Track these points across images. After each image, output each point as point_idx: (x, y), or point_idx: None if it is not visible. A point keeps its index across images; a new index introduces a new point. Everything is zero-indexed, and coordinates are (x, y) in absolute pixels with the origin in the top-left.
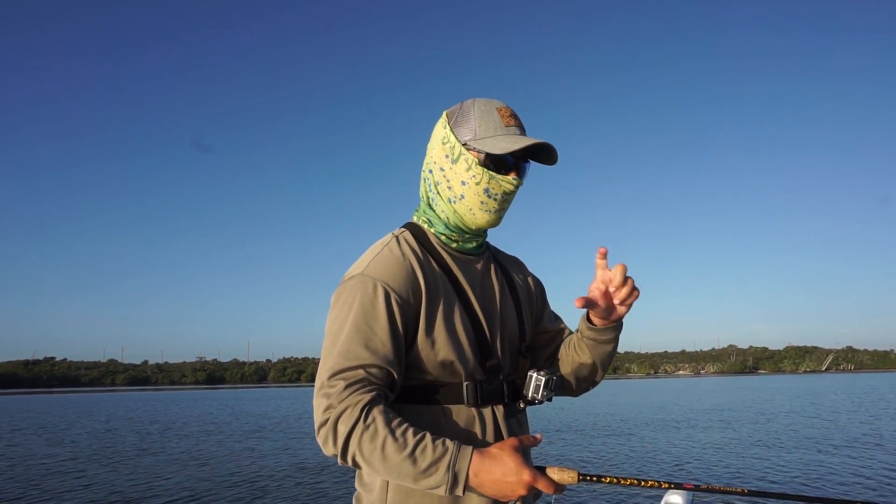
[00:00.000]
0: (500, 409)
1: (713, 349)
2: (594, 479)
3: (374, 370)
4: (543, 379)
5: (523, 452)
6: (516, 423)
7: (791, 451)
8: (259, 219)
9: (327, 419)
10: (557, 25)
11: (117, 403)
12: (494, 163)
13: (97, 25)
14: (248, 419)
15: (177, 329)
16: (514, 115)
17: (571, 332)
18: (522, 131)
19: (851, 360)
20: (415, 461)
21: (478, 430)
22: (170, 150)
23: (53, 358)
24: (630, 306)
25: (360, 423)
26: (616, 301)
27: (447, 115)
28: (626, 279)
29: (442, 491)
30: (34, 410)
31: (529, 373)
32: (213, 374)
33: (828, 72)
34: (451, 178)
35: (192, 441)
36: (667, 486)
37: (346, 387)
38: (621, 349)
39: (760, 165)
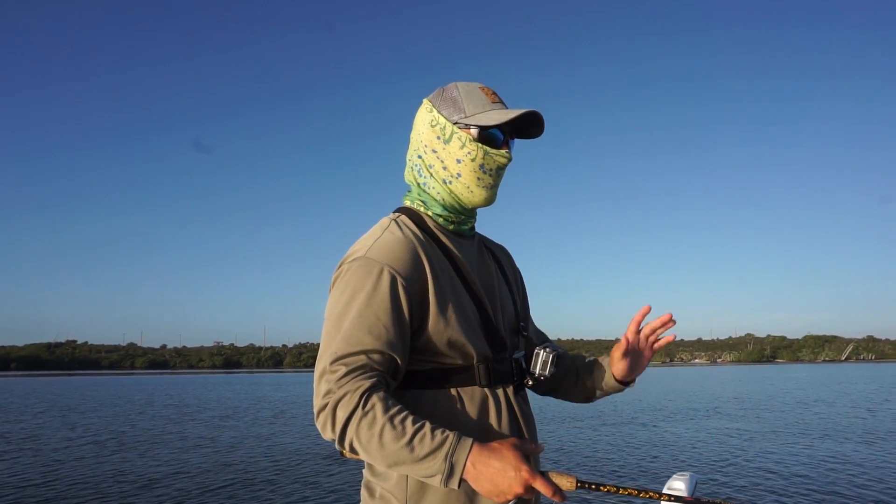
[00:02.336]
0: (510, 389)
1: (730, 338)
2: (592, 486)
3: (376, 356)
4: (551, 356)
5: (526, 456)
6: (522, 401)
7: (813, 440)
8: (275, 205)
9: (326, 404)
10: (556, 21)
11: (137, 387)
12: (486, 138)
13: (98, 23)
14: (266, 404)
15: (195, 314)
16: (496, 94)
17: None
18: (506, 107)
19: (872, 349)
20: (412, 449)
21: (493, 409)
22: (187, 135)
23: (75, 341)
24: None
25: (359, 410)
26: (651, 339)
27: (430, 101)
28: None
29: (437, 480)
30: (55, 392)
31: (536, 350)
32: (230, 359)
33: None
34: (446, 157)
35: (211, 426)
36: (666, 498)
37: (347, 372)
38: None
39: (780, 155)
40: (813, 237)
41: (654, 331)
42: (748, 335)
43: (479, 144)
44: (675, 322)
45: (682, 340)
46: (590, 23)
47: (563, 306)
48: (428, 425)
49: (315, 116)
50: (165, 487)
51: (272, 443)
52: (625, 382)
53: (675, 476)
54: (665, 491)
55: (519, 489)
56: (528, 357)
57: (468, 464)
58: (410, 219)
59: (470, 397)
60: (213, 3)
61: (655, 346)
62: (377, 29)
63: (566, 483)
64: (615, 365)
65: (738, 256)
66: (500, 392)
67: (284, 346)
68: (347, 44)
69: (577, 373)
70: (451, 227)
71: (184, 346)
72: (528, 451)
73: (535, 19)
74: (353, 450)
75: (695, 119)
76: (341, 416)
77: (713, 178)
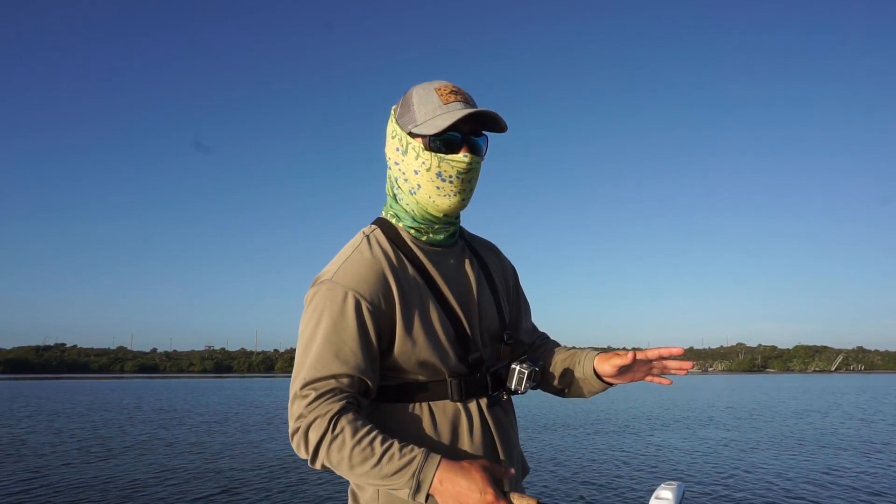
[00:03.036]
0: (483, 401)
1: (721, 347)
2: None
3: (344, 380)
4: (526, 371)
5: (494, 479)
6: (501, 412)
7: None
8: (267, 210)
9: (298, 427)
10: (557, 23)
11: (126, 391)
12: (442, 144)
13: (98, 22)
14: (257, 409)
15: (186, 318)
16: (455, 91)
17: (546, 337)
18: (467, 104)
19: (862, 360)
20: (381, 469)
21: (464, 422)
22: (179, 137)
23: (64, 344)
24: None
25: (329, 433)
26: (655, 368)
27: (393, 109)
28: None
29: (405, 495)
30: (41, 396)
31: (513, 365)
32: (220, 363)
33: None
34: (406, 169)
35: (201, 431)
36: None
37: (317, 397)
38: (629, 345)
39: (769, 164)
40: (805, 247)
41: (664, 365)
42: (739, 344)
43: (433, 153)
44: (685, 372)
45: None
46: (591, 25)
47: (551, 312)
48: (396, 444)
49: (311, 119)
50: (151, 495)
51: (262, 449)
52: (606, 384)
53: (662, 485)
54: (652, 499)
55: None
56: (507, 367)
57: (435, 481)
58: (385, 232)
59: (442, 411)
60: (213, 3)
61: (651, 375)
62: (377, 28)
63: None
64: (604, 365)
65: (730, 266)
66: (472, 406)
67: (276, 350)
68: (347, 43)
69: (554, 375)
70: (424, 237)
71: (174, 350)
72: (498, 475)
73: (537, 21)
74: (325, 468)
75: (685, 126)
76: (313, 439)
77: (706, 185)
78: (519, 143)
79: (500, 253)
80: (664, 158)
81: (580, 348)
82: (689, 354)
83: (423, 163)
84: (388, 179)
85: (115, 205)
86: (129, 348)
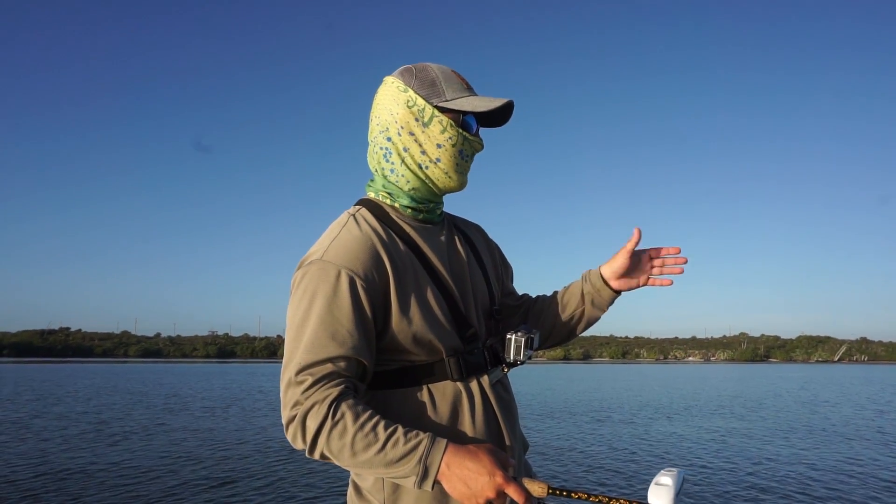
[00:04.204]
0: (485, 379)
1: (724, 336)
2: (563, 493)
3: (342, 363)
4: (523, 339)
5: (501, 462)
6: (502, 389)
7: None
8: (271, 195)
9: (295, 415)
10: (556, 18)
11: (129, 375)
12: (465, 124)
13: (98, 23)
14: (261, 395)
15: (190, 303)
16: (465, 80)
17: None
18: (475, 94)
19: (865, 351)
20: (385, 455)
21: (466, 404)
22: (183, 127)
23: (68, 328)
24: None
25: (329, 420)
26: (658, 267)
27: (402, 80)
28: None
29: (412, 483)
30: (44, 380)
31: (507, 335)
32: (224, 349)
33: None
34: (425, 141)
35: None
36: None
37: (314, 382)
38: (631, 334)
39: (776, 154)
40: (808, 237)
41: (661, 258)
42: (742, 334)
43: (460, 130)
44: (681, 270)
45: (676, 338)
46: (587, 17)
47: None
48: (401, 429)
49: (316, 109)
50: (154, 481)
51: (268, 435)
52: (616, 290)
53: (662, 472)
54: (653, 485)
55: (491, 493)
56: (504, 342)
57: (443, 465)
58: (372, 212)
59: (442, 394)
60: (213, 3)
61: (652, 277)
62: (377, 29)
63: (538, 489)
64: (608, 269)
65: (733, 255)
66: (473, 385)
67: (279, 336)
68: (347, 43)
69: (564, 308)
70: (421, 216)
71: (178, 335)
72: (503, 462)
73: (536, 16)
74: (323, 457)
75: (691, 116)
76: (311, 426)
77: (709, 175)
78: (520, 142)
79: (486, 233)
80: (667, 148)
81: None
82: (692, 343)
83: (450, 138)
84: (373, 155)
85: (120, 190)
86: (132, 333)
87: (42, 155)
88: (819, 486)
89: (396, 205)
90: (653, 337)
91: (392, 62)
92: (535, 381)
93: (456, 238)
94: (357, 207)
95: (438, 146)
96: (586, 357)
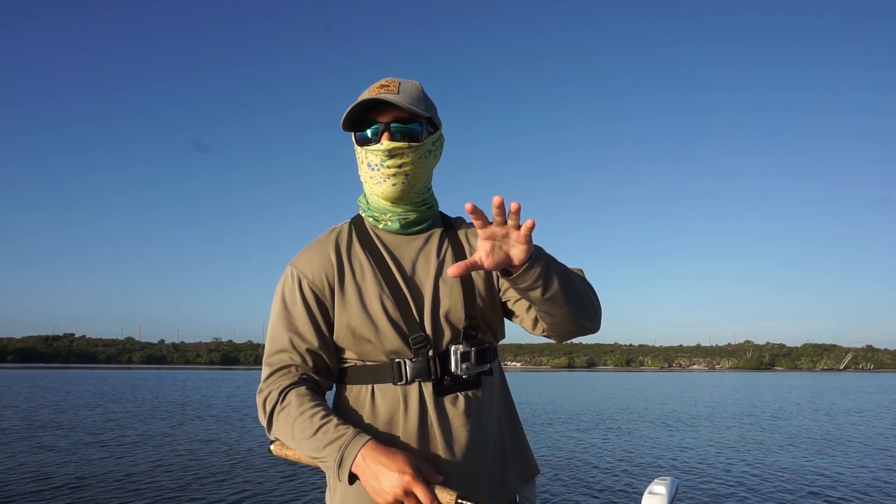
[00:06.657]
0: (427, 386)
1: (729, 344)
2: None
3: (295, 354)
4: (461, 351)
5: (419, 468)
6: (456, 402)
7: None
8: (275, 203)
9: (259, 400)
10: (558, 22)
11: (133, 381)
12: (359, 139)
13: (99, 23)
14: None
15: (194, 310)
16: (385, 85)
17: None
18: (394, 94)
19: (871, 359)
20: (315, 441)
21: (401, 406)
22: (185, 135)
23: (73, 334)
24: (527, 240)
25: (278, 405)
26: (512, 239)
27: None
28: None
29: (332, 470)
30: (48, 386)
31: (452, 346)
32: (227, 355)
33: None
34: (358, 164)
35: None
36: None
37: (272, 372)
38: (635, 342)
39: (780, 162)
40: (813, 245)
41: (502, 215)
42: (747, 342)
43: (358, 147)
44: (530, 228)
45: (680, 346)
46: (588, 17)
47: None
48: (334, 420)
49: (318, 115)
50: (155, 487)
51: (266, 441)
52: (511, 274)
53: (656, 480)
54: (646, 493)
55: (398, 490)
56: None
57: (358, 457)
58: (353, 222)
59: (382, 395)
60: (213, 2)
61: (517, 230)
62: (377, 29)
63: (446, 497)
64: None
65: (737, 263)
66: (412, 389)
67: None
68: (347, 43)
69: (541, 317)
70: (381, 225)
71: (182, 342)
72: (425, 473)
73: (536, 16)
74: (278, 439)
75: (694, 122)
76: (267, 410)
77: (712, 183)
78: (523, 146)
79: None
80: (670, 158)
81: None
82: (697, 351)
83: (358, 157)
84: None
85: (125, 198)
86: (137, 339)
87: (45, 165)
88: (820, 497)
89: (368, 217)
90: (657, 345)
91: (392, 62)
92: (536, 389)
93: (437, 248)
94: (345, 221)
95: (358, 168)
96: (591, 365)
